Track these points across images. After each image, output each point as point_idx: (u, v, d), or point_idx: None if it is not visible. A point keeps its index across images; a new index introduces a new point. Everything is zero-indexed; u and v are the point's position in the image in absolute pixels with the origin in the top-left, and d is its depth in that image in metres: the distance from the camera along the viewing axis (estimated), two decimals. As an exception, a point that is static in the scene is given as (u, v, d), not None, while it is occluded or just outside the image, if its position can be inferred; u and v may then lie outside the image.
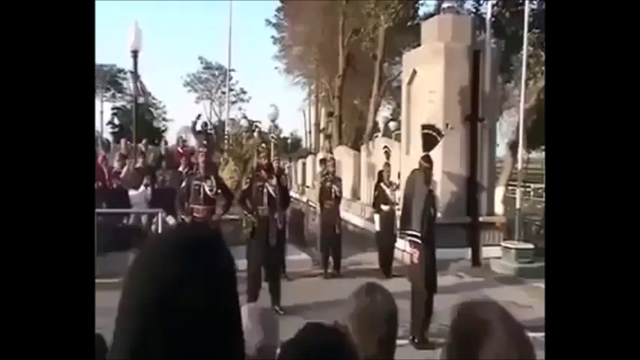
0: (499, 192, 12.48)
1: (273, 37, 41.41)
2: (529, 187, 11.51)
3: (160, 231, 8.33)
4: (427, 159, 7.08)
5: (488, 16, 13.33)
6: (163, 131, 45.05)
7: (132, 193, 9.67)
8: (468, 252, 10.73)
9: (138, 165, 10.80)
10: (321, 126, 35.33)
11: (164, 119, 53.30)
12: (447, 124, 11.54)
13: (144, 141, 13.44)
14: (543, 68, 18.40)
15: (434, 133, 8.63)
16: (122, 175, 9.93)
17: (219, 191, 8.26)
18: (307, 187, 20.59)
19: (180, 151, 13.25)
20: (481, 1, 19.25)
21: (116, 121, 48.74)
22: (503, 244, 10.62)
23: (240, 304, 1.02)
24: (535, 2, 16.47)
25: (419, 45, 13.41)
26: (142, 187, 9.85)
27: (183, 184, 8.31)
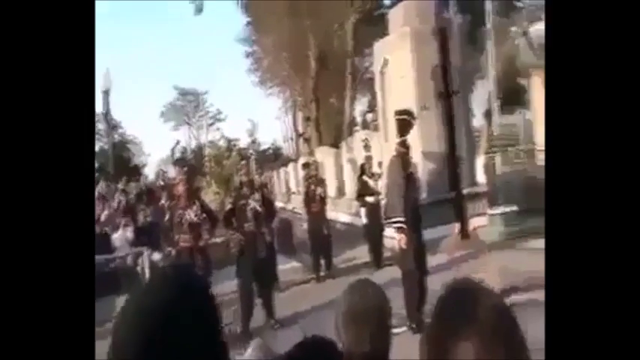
0: (480, 161, 12.49)
1: (244, 52, 41.26)
2: (507, 149, 11.64)
3: (146, 271, 8.20)
4: (403, 144, 7.02)
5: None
6: (142, 167, 44.82)
7: (114, 236, 9.53)
8: (457, 226, 10.66)
9: (118, 205, 10.65)
10: (300, 131, 35.32)
11: (142, 154, 53.05)
12: (422, 106, 11.53)
13: (123, 179, 13.29)
14: (509, 35, 18.64)
15: (408, 118, 8.49)
16: (102, 219, 9.77)
17: (204, 216, 8.12)
18: (293, 193, 20.53)
19: (161, 183, 13.11)
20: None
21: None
22: (489, 211, 10.60)
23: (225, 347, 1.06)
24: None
25: (388, 34, 13.45)
26: (121, 230, 9.68)
27: (167, 216, 8.17)
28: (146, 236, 9.10)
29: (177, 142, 18.40)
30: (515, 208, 10.27)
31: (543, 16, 18.35)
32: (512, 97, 17.34)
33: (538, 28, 17.97)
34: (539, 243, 8.20)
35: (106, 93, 11.66)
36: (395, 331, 1.95)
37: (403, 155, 6.85)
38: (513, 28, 18.93)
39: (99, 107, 12.22)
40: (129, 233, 9.69)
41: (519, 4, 19.78)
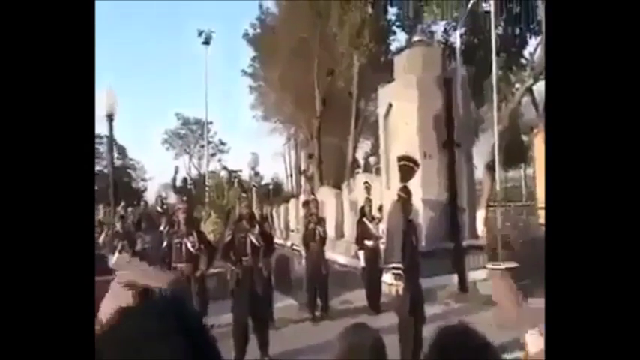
0: (480, 214, 12.49)
1: (249, 86, 41.38)
2: (509, 205, 11.62)
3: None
4: (405, 190, 7.07)
5: (457, 45, 13.66)
6: (143, 192, 44.66)
7: (111, 258, 9.47)
8: (455, 278, 10.63)
9: (116, 229, 10.62)
10: (302, 168, 35.39)
11: (143, 179, 52.99)
12: (425, 154, 11.63)
13: (122, 204, 13.28)
14: (513, 90, 18.92)
15: (410, 164, 8.60)
16: (100, 242, 9.75)
17: (202, 246, 8.10)
18: (292, 231, 20.45)
19: (160, 210, 13.10)
20: (450, 32, 19.83)
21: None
22: (488, 265, 10.51)
23: None
24: (500, 27, 16.98)
25: (393, 79, 13.65)
26: (117, 253, 9.62)
27: (165, 243, 8.15)
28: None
29: (177, 170, 18.33)
30: (514, 264, 10.23)
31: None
32: (515, 153, 17.37)
33: (542, 85, 18.19)
34: (537, 301, 8.19)
35: (110, 117, 11.61)
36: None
37: (404, 201, 6.90)
38: (517, 85, 19.21)
39: (104, 131, 12.22)
40: (126, 256, 9.63)
41: (524, 61, 20.09)
